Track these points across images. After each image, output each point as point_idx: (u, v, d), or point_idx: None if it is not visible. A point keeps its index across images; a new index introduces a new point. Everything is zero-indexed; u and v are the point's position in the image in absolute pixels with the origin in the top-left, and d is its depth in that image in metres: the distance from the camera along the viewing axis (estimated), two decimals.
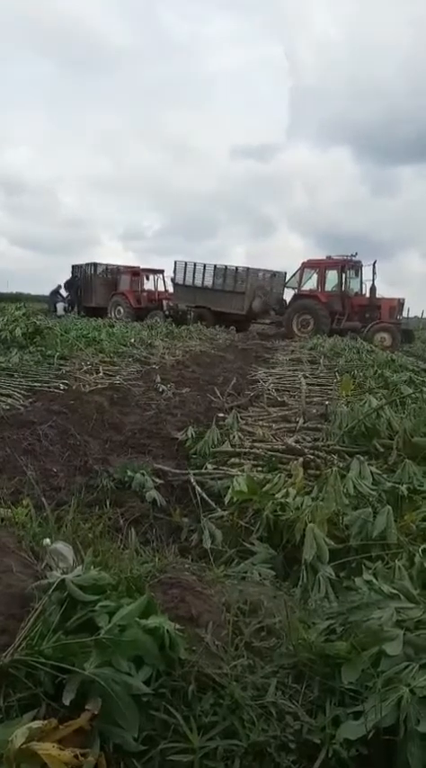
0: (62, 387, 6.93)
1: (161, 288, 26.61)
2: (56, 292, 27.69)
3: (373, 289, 19.57)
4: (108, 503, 3.24)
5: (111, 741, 1.23)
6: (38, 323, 11.04)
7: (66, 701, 1.26)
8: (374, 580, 1.88)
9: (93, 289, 26.98)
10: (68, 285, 27.63)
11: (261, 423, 5.73)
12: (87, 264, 27.73)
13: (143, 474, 3.72)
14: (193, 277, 24.06)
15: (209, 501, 3.45)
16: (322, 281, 20.39)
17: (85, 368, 8.56)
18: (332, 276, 20.36)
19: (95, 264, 27.57)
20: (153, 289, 26.65)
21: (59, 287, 27.73)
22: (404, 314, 20.17)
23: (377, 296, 19.51)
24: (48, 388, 6.85)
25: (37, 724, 1.13)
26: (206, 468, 4.10)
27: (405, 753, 1.26)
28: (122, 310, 25.47)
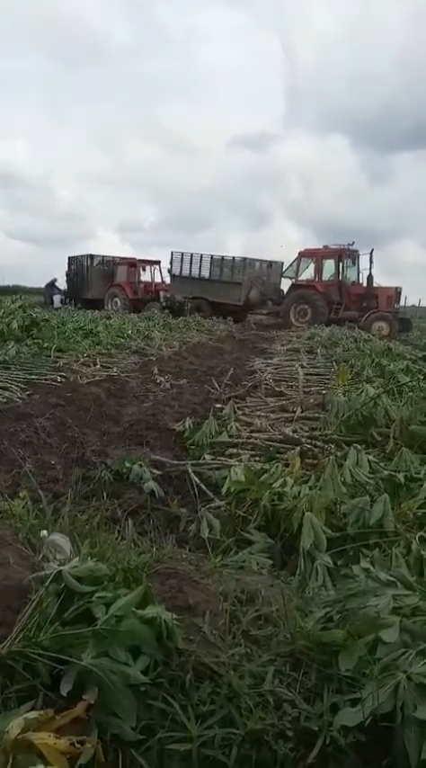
0: (59, 379, 6.91)
1: (158, 279, 26.53)
2: (52, 285, 27.58)
3: (370, 278, 19.55)
4: (105, 494, 3.24)
5: (109, 731, 1.23)
6: (34, 315, 11.00)
7: (64, 692, 1.26)
8: (371, 568, 1.88)
9: (89, 281, 26.87)
10: (68, 279, 27.52)
11: (258, 413, 5.72)
12: (83, 256, 27.61)
13: (141, 465, 3.72)
14: (190, 268, 23.98)
15: (207, 491, 3.46)
16: (319, 270, 20.35)
17: (82, 360, 8.55)
18: (329, 266, 20.32)
19: (92, 256, 27.43)
20: (149, 280, 26.54)
21: (55, 279, 27.63)
22: (402, 303, 20.19)
23: (375, 285, 19.49)
24: (46, 380, 6.84)
25: (33, 714, 1.13)
26: (203, 459, 4.10)
27: (403, 739, 1.26)
28: (119, 302, 25.39)
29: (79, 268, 27.32)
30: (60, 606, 1.46)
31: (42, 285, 29.06)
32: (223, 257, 23.16)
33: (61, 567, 1.55)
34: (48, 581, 1.51)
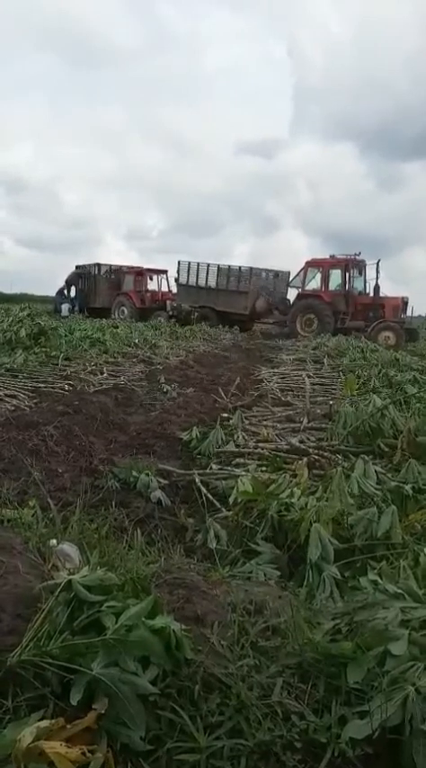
0: (67, 387, 6.95)
1: (164, 288, 26.67)
2: (61, 292, 27.70)
3: (377, 288, 19.58)
4: (113, 503, 3.25)
5: (119, 740, 1.24)
6: (42, 324, 11.07)
7: (74, 701, 1.27)
8: (379, 580, 1.88)
9: (96, 289, 27.02)
10: (70, 281, 27.53)
11: (265, 423, 5.73)
12: (91, 265, 27.77)
13: (148, 474, 3.73)
14: (197, 277, 24.08)
15: (214, 501, 3.46)
16: (325, 280, 20.40)
17: (90, 368, 8.59)
18: (335, 275, 20.37)
19: (99, 265, 27.61)
20: (156, 289, 26.69)
21: (64, 286, 27.73)
22: (408, 312, 20.16)
23: (381, 295, 19.50)
24: (53, 388, 6.88)
25: (44, 723, 1.14)
26: (210, 469, 4.11)
27: (411, 751, 1.26)
28: (126, 311, 25.51)
29: (86, 276, 27.46)
30: (70, 615, 1.47)
31: (50, 293, 29.25)
32: (230, 266, 23.26)
33: (71, 577, 1.56)
34: (58, 590, 1.52)
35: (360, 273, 20.52)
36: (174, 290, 25.66)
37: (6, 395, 6.23)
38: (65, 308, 25.90)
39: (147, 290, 26.25)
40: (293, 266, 22.60)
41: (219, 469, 4.10)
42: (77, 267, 28.16)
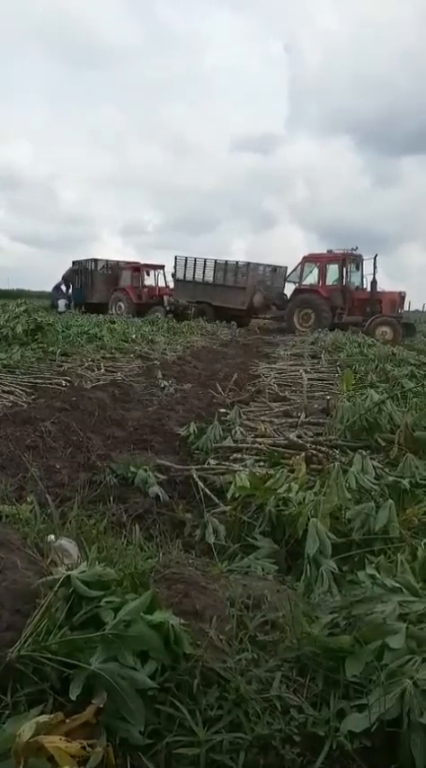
0: (64, 383, 6.94)
1: (161, 283, 26.61)
2: (58, 288, 27.63)
3: (374, 282, 19.57)
4: (111, 499, 3.25)
5: (118, 735, 1.24)
6: (39, 319, 11.05)
7: (73, 696, 1.27)
8: (377, 574, 1.89)
9: (93, 285, 26.96)
10: (67, 278, 27.47)
11: (262, 418, 5.73)
12: (88, 260, 27.69)
13: (145, 470, 3.72)
14: (194, 272, 24.05)
15: (212, 496, 3.46)
16: (322, 275, 20.39)
17: (87, 364, 8.58)
18: (332, 270, 20.36)
19: (96, 260, 27.53)
20: (153, 284, 26.63)
21: (61, 282, 27.66)
22: (406, 307, 20.18)
23: (378, 290, 19.50)
24: (50, 384, 6.86)
25: (44, 718, 1.14)
26: (208, 464, 4.11)
27: (409, 744, 1.27)
28: (123, 306, 25.47)
29: (83, 272, 27.39)
30: (69, 611, 1.47)
31: (47, 289, 29.20)
32: (227, 262, 23.23)
33: (69, 572, 1.56)
34: (57, 586, 1.53)
35: (357, 268, 20.52)
36: (171, 285, 25.62)
37: (3, 390, 6.22)
38: (61, 303, 25.81)
39: (144, 286, 26.20)
40: (290, 262, 22.61)
41: (217, 464, 4.09)
42: (74, 263, 28.08)
